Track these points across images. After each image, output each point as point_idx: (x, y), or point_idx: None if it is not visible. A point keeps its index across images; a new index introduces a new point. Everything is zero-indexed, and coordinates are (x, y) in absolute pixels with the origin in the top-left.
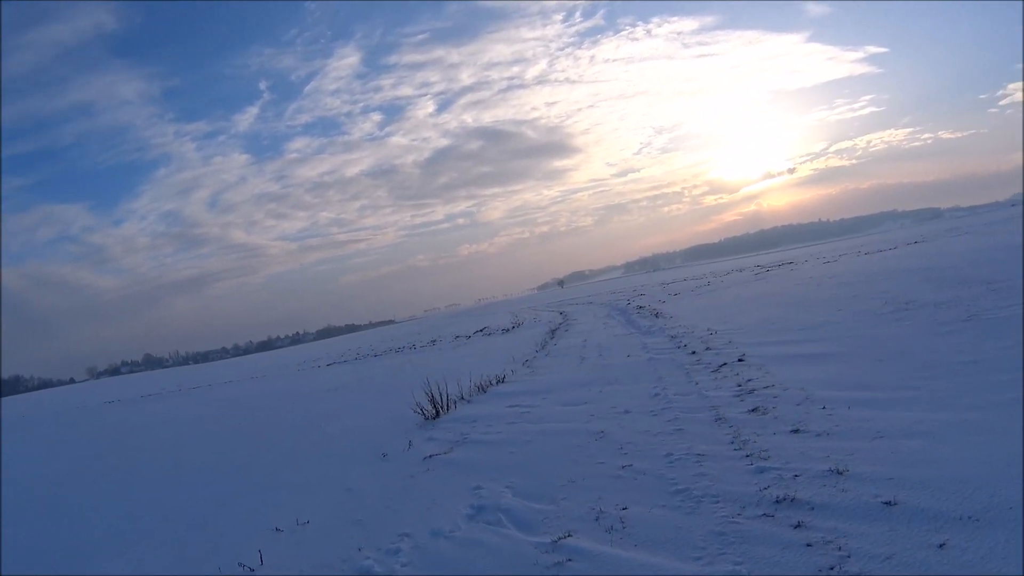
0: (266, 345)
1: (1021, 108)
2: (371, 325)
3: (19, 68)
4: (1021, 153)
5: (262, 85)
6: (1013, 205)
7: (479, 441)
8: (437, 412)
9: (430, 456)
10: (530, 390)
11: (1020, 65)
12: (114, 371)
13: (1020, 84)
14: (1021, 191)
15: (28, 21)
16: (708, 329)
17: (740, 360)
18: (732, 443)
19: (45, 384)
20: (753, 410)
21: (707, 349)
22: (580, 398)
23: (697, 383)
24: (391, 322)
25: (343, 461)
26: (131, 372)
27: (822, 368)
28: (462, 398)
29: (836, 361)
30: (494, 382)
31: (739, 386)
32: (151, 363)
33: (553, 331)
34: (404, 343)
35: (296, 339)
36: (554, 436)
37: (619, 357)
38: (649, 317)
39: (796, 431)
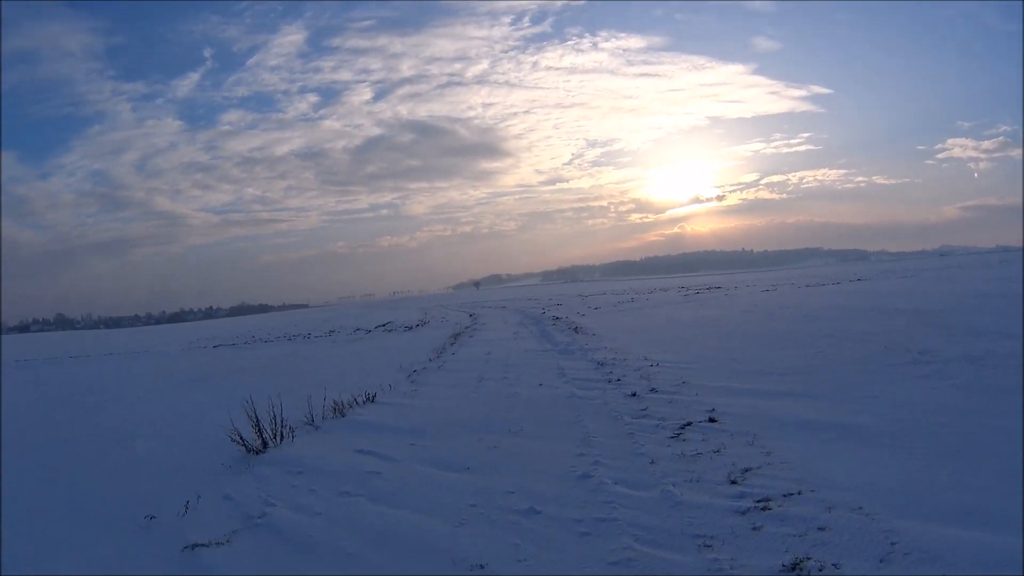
0: (177, 317)
1: (960, 162)
2: (285, 307)
3: None
4: (952, 206)
5: (207, 52)
6: (942, 255)
7: (282, 527)
8: (264, 443)
9: (194, 546)
10: (398, 425)
11: (963, 123)
12: (23, 328)
13: (960, 140)
14: (948, 242)
15: None
16: (646, 358)
17: (711, 420)
18: None
19: None
20: (795, 567)
21: (652, 391)
22: (462, 458)
23: (653, 461)
24: (305, 306)
25: (93, 520)
26: (41, 331)
27: (871, 458)
28: (310, 421)
29: (888, 447)
30: (362, 400)
31: (733, 482)
32: (62, 323)
33: (456, 335)
34: (303, 330)
35: (208, 314)
36: (399, 554)
37: (528, 384)
38: (567, 332)
39: None
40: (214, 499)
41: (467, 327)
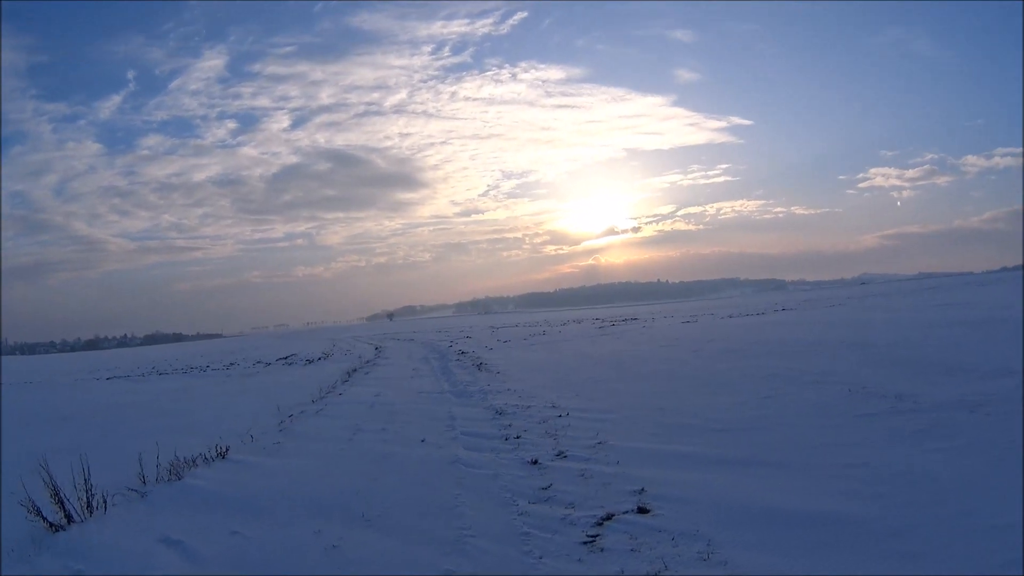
0: (92, 344)
1: (883, 191)
2: (199, 336)
3: None
4: (872, 235)
5: (130, 74)
6: (863, 283)
7: None
8: (69, 517)
9: None
10: (235, 497)
11: (887, 152)
12: None
13: (883, 169)
14: (868, 271)
15: None
16: (554, 406)
17: (641, 511)
18: None
19: None
20: None
21: (559, 455)
22: (285, 563)
23: None
24: (219, 336)
25: None
26: None
27: None
28: (139, 486)
29: (912, 559)
30: (212, 455)
31: None
32: None
33: (352, 372)
34: (204, 363)
35: (123, 342)
36: None
37: (409, 440)
38: (470, 369)
39: None
40: None
41: (368, 361)
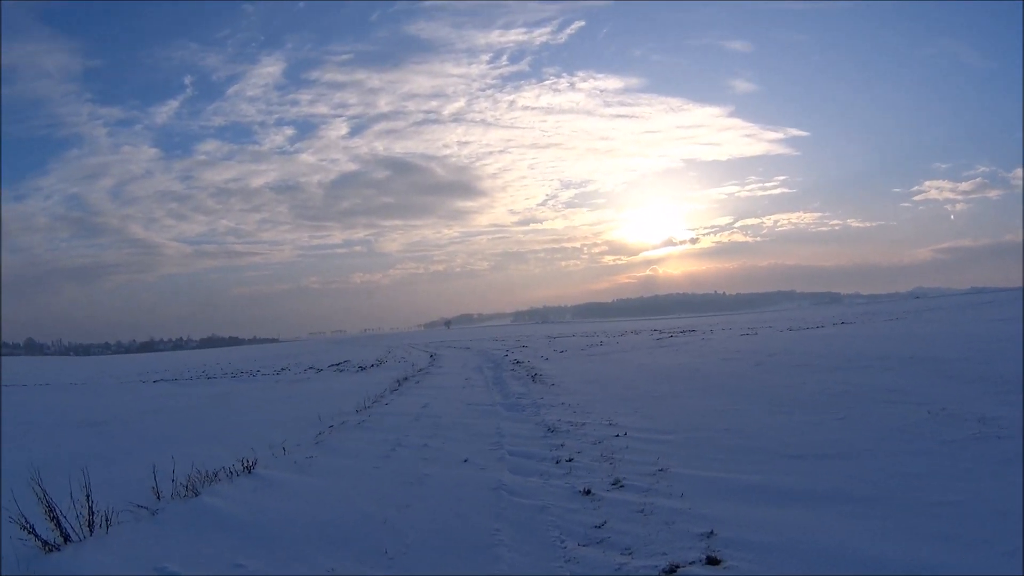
0: (148, 346)
1: (936, 204)
2: (255, 341)
3: None
4: (926, 248)
5: (187, 80)
6: (917, 297)
7: None
8: (66, 537)
9: None
10: (250, 522)
11: (940, 164)
12: None
13: (937, 182)
14: (921, 284)
15: None
16: (610, 423)
17: (712, 561)
18: None
19: None
20: None
21: (615, 485)
22: None
23: None
24: (275, 340)
25: None
26: (11, 355)
27: None
28: (151, 502)
29: None
30: (238, 469)
31: None
32: (32, 348)
33: (402, 380)
34: (255, 367)
35: (178, 344)
36: None
37: (450, 458)
38: (524, 380)
39: None
40: None
41: (420, 369)
